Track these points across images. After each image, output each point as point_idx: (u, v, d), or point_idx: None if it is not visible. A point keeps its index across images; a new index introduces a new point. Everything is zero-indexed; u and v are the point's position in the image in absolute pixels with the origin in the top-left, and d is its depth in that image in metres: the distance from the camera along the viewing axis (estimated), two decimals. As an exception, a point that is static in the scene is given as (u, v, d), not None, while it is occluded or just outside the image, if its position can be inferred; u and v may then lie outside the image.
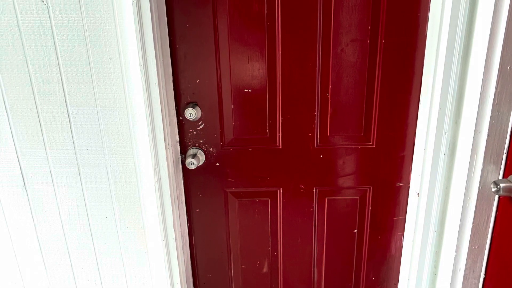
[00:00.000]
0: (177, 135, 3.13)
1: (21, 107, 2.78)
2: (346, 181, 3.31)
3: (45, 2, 2.58)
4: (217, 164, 3.27)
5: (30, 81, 2.73)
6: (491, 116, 2.66)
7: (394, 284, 3.63)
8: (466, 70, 2.71)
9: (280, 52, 2.94)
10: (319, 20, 2.88)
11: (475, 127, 2.70)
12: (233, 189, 3.36)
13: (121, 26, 2.60)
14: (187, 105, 3.06)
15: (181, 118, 3.10)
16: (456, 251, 3.02)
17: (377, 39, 2.91)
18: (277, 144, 3.20)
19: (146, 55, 2.64)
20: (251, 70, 2.98)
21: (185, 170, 3.29)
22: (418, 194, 3.16)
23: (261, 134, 3.16)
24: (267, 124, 3.12)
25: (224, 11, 2.86)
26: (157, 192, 3.01)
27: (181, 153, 3.19)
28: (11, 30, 2.63)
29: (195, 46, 2.92)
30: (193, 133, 3.15)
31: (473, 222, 2.91)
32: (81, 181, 3.00)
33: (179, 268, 3.28)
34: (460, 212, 2.92)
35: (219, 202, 3.42)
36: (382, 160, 3.24)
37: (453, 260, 3.04)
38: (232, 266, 3.61)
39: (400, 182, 3.31)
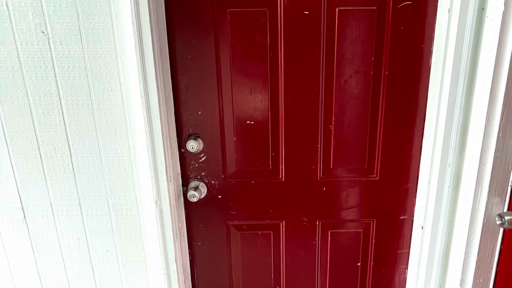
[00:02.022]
0: (179, 168, 3.06)
1: (21, 139, 2.71)
2: (349, 214, 3.23)
3: (45, 33, 2.51)
4: (219, 196, 3.20)
5: (31, 112, 2.66)
6: (496, 148, 2.59)
7: (398, 318, 3.53)
8: (470, 102, 2.65)
9: (283, 83, 2.87)
10: (322, 52, 2.81)
11: (480, 159, 2.63)
12: (235, 222, 3.28)
13: (122, 57, 2.54)
14: (189, 137, 2.99)
15: (183, 150, 3.03)
16: (461, 285, 2.93)
17: (381, 70, 2.84)
18: (280, 177, 3.12)
19: (148, 87, 2.58)
20: (253, 101, 2.91)
21: (186, 202, 3.21)
22: (422, 227, 3.08)
23: (264, 167, 3.09)
24: (270, 156, 3.05)
25: (226, 42, 2.79)
26: (159, 225, 2.93)
27: (182, 185, 3.12)
28: (11, 61, 2.56)
29: (197, 77, 2.86)
30: (195, 166, 3.08)
31: (478, 256, 2.83)
32: (81, 214, 2.92)
33: (180, 302, 3.20)
34: (465, 245, 2.83)
35: (221, 235, 3.34)
36: (386, 192, 3.16)
37: (458, 294, 2.96)
38: (234, 300, 3.52)
39: (404, 215, 3.23)
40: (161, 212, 2.90)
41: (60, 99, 2.63)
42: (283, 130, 2.98)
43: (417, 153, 3.03)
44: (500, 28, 2.41)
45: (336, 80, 2.86)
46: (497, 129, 2.54)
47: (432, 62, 2.80)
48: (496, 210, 2.73)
